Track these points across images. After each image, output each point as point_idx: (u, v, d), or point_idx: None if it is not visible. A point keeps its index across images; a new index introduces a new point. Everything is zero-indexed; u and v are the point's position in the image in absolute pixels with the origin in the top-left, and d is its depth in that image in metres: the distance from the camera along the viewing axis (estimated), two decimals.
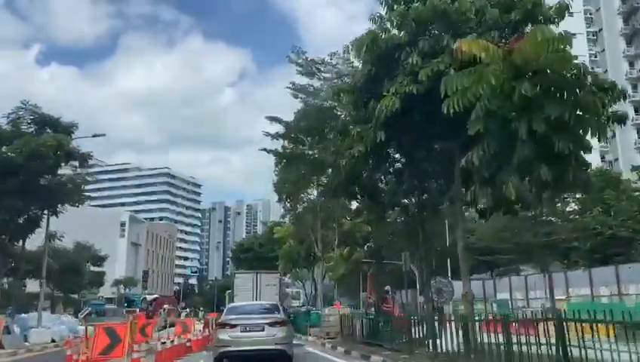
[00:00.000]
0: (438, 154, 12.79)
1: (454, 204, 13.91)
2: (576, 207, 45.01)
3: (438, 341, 11.95)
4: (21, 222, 27.86)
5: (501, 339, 9.83)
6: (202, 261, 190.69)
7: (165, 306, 38.94)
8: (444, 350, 11.54)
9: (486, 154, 8.53)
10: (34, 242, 31.08)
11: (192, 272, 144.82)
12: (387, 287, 19.97)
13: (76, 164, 29.43)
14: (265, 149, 25.24)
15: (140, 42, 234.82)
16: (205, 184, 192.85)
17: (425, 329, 13.23)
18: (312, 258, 33.91)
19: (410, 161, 13.42)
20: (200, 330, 20.83)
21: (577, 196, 44.08)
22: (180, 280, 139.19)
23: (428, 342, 12.51)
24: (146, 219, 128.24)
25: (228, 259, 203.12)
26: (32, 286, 64.36)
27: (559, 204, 44.48)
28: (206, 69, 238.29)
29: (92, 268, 67.18)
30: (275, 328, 12.20)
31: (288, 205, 29.95)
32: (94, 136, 29.58)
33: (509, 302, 38.24)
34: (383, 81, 11.40)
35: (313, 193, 29.40)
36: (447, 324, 11.79)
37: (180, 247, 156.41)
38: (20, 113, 27.46)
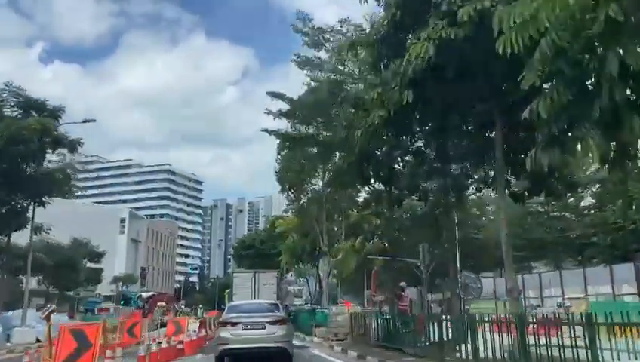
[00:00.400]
0: (474, 119, 10.70)
1: (488, 186, 11.85)
2: (592, 201, 42.99)
3: (473, 345, 9.90)
4: (4, 212, 25.83)
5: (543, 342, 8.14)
6: (204, 259, 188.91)
7: (161, 304, 36.96)
8: (482, 355, 9.52)
9: (555, 104, 6.44)
10: (26, 237, 29.04)
11: (192, 269, 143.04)
12: (402, 283, 17.78)
13: (65, 151, 27.45)
14: (266, 130, 22.84)
15: (143, 40, 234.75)
16: (207, 182, 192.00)
17: (451, 330, 11.22)
18: (317, 252, 31.84)
19: (439, 131, 11.30)
20: (195, 330, 18.79)
21: (593, 189, 42.06)
22: (181, 277, 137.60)
23: (460, 347, 10.45)
24: (146, 216, 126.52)
25: (229, 256, 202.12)
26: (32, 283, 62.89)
27: (571, 199, 42.49)
28: (208, 68, 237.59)
29: (89, 265, 65.36)
30: (275, 326, 12.41)
31: (292, 195, 27.74)
32: (84, 121, 27.59)
33: (522, 300, 36.31)
34: (410, 30, 9.31)
35: (318, 183, 27.34)
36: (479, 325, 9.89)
37: (181, 245, 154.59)
38: (4, 95, 25.45)
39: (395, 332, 14.29)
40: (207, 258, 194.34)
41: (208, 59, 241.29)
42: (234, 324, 12.41)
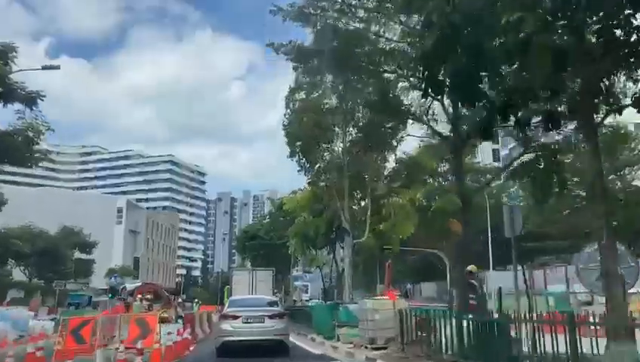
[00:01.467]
0: None
1: None
2: None
3: None
4: None
5: None
6: (208, 253, 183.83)
7: (143, 296, 31.16)
8: None
9: None
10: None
11: (190, 261, 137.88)
12: (471, 267, 11.96)
13: (22, 108, 21.97)
14: (272, 44, 16.37)
15: (149, 36, 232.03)
16: (211, 178, 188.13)
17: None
18: (335, 233, 26.23)
19: None
20: (173, 332, 13.22)
21: None
22: (184, 271, 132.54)
23: None
24: (148, 208, 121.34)
25: (234, 251, 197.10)
26: (18, 274, 57.61)
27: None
28: (214, 63, 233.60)
29: (80, 256, 60.15)
30: (274, 320, 13.07)
31: (304, 162, 21.86)
32: (45, 68, 21.93)
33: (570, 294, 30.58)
34: None
35: (338, 146, 21.68)
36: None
37: (184, 238, 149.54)
38: None
39: (485, 343, 8.68)
40: (211, 252, 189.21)
41: (214, 55, 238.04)
42: (235, 317, 12.95)
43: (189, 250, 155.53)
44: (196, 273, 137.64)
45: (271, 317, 13.01)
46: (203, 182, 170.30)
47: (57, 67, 23.04)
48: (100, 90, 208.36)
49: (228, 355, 12.51)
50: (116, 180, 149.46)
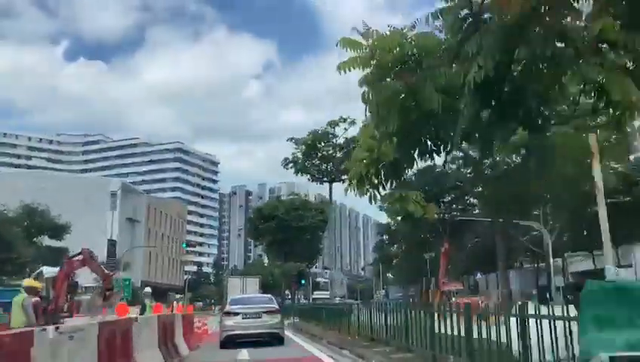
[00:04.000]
0: None
1: None
2: None
3: None
4: None
5: None
6: (222, 249, 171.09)
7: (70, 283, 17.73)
8: None
9: None
10: None
11: (199, 255, 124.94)
12: None
13: None
14: None
15: (166, 35, 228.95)
16: (227, 176, 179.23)
17: None
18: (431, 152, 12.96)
19: None
20: None
21: None
22: (194, 268, 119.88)
23: None
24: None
25: (250, 247, 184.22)
26: None
27: None
28: (230, 61, 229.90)
29: (49, 243, 47.56)
30: (269, 316, 15.11)
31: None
32: None
33: None
34: None
35: None
36: None
37: (194, 231, 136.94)
38: None
39: None
40: (226, 248, 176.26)
41: (230, 53, 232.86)
42: (236, 314, 15.01)
43: (200, 244, 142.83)
44: (207, 270, 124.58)
45: (266, 313, 15.09)
46: (216, 172, 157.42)
47: None
48: (116, 91, 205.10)
49: (230, 347, 13.93)
50: (120, 170, 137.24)
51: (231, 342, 14.24)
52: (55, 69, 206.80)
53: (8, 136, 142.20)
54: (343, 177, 34.59)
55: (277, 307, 15.96)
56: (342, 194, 55.59)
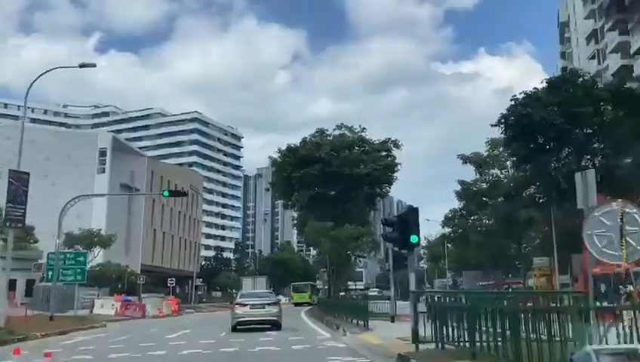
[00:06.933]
0: None
1: None
2: None
3: None
4: None
5: None
6: (247, 236, 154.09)
7: None
8: None
9: None
10: None
11: (220, 239, 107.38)
12: None
13: None
14: None
15: (195, 26, 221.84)
16: (252, 166, 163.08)
17: None
18: None
19: None
20: None
21: None
22: (213, 253, 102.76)
23: None
24: None
25: (277, 233, 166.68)
26: None
27: None
28: (259, 52, 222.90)
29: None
30: (271, 306, 20.09)
31: None
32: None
33: None
34: None
35: None
36: None
37: (214, 213, 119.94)
38: None
39: None
40: (251, 235, 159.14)
41: (259, 43, 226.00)
42: (244, 305, 19.91)
43: (222, 228, 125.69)
44: (228, 255, 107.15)
45: (269, 304, 20.12)
46: (239, 147, 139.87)
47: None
48: (146, 83, 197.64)
49: (240, 331, 18.76)
50: (133, 144, 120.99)
51: (241, 326, 19.22)
52: (85, 60, 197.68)
53: (10, 108, 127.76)
54: None
55: (277, 300, 21.90)
56: None
